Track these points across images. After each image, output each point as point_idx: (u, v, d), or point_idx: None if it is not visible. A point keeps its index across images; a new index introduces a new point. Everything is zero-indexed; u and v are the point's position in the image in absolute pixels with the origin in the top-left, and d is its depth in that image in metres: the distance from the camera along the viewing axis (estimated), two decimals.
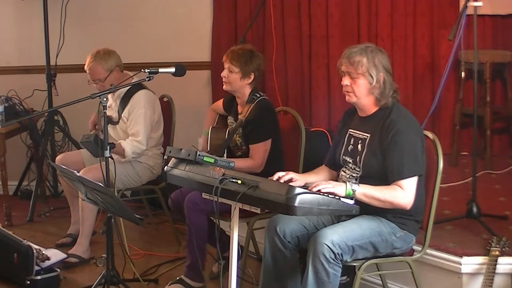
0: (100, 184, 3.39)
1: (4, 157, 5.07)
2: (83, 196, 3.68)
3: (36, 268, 3.93)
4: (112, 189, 3.74)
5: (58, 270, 4.07)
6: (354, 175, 3.28)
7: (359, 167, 3.26)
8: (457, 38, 3.90)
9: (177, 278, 3.96)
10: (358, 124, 3.35)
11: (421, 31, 5.21)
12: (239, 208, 3.09)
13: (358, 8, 5.25)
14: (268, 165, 3.90)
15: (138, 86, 4.42)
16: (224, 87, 4.04)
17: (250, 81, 3.98)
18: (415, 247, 3.35)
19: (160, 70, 3.67)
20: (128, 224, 3.98)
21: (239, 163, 3.66)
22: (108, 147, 3.59)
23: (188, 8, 5.66)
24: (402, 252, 3.28)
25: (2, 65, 5.82)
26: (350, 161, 3.32)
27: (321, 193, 2.97)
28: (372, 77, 3.18)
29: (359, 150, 3.27)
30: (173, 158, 3.34)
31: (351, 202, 3.02)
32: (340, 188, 3.04)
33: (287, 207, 2.84)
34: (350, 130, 3.38)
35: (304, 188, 2.95)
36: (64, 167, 3.70)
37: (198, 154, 3.18)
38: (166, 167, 3.36)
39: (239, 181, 2.99)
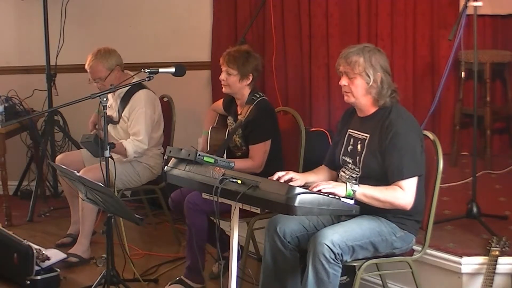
0: (100, 184, 3.39)
1: (4, 157, 5.07)
2: (83, 196, 3.68)
3: (36, 268, 3.93)
4: (112, 189, 3.74)
5: (58, 270, 4.07)
6: (353, 175, 3.28)
7: (358, 168, 3.25)
8: (457, 38, 3.90)
9: (177, 278, 3.96)
10: (357, 124, 3.35)
11: (421, 31, 5.21)
12: (239, 208, 3.09)
13: (358, 8, 5.25)
14: (268, 165, 3.90)
15: (138, 86, 4.42)
16: (223, 89, 4.04)
17: (249, 82, 3.98)
18: (415, 247, 3.35)
19: (160, 70, 3.68)
20: (128, 224, 3.98)
21: (239, 163, 3.66)
22: (108, 147, 3.59)
23: (188, 8, 5.66)
24: (402, 252, 3.28)
25: (2, 65, 5.82)
26: (350, 161, 3.32)
27: (321, 193, 2.97)
28: (369, 76, 3.18)
29: (359, 150, 3.27)
30: (173, 158, 3.34)
31: (351, 202, 3.03)
32: (340, 188, 3.04)
33: (287, 207, 2.84)
34: (349, 130, 3.38)
35: (304, 188, 2.95)
36: (64, 167, 3.70)
37: (198, 154, 3.18)
38: (166, 167, 3.36)
39: (239, 181, 2.99)
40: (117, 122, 4.54)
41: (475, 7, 3.91)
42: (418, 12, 5.19)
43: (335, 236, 3.06)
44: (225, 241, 3.56)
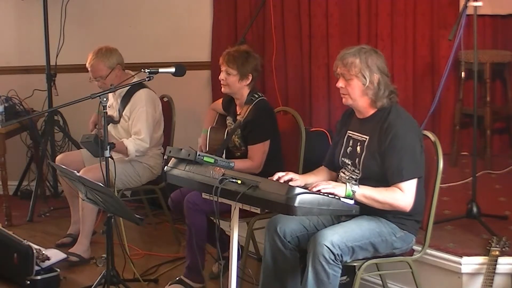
0: (100, 184, 3.39)
1: (4, 157, 5.07)
2: (83, 196, 3.68)
3: (36, 268, 3.93)
4: (112, 189, 3.74)
5: (58, 270, 4.07)
6: (353, 176, 3.27)
7: (358, 169, 3.25)
8: (457, 38, 3.90)
9: (177, 278, 3.96)
10: (357, 125, 3.34)
11: (421, 31, 5.20)
12: (239, 208, 3.09)
13: (358, 8, 5.25)
14: (268, 165, 3.89)
15: (139, 85, 4.41)
16: (222, 89, 4.04)
17: (248, 82, 3.98)
18: (415, 247, 3.35)
19: (160, 70, 3.68)
20: (128, 224, 3.98)
21: (238, 164, 3.64)
22: (108, 147, 3.59)
23: (188, 8, 5.66)
24: (402, 252, 3.28)
25: (2, 65, 5.82)
26: (349, 163, 3.31)
27: (321, 193, 2.97)
28: (365, 78, 3.17)
29: (358, 152, 3.27)
30: (173, 158, 3.34)
31: (351, 202, 3.03)
32: (340, 189, 3.04)
33: (287, 207, 2.84)
34: (349, 131, 3.37)
35: (304, 188, 2.95)
36: (64, 167, 3.70)
37: (198, 154, 3.18)
38: (166, 167, 3.36)
39: (239, 181, 2.99)
40: (118, 122, 4.54)
41: (475, 7, 3.91)
42: (418, 12, 5.19)
43: (335, 237, 3.06)
44: (225, 241, 3.56)
